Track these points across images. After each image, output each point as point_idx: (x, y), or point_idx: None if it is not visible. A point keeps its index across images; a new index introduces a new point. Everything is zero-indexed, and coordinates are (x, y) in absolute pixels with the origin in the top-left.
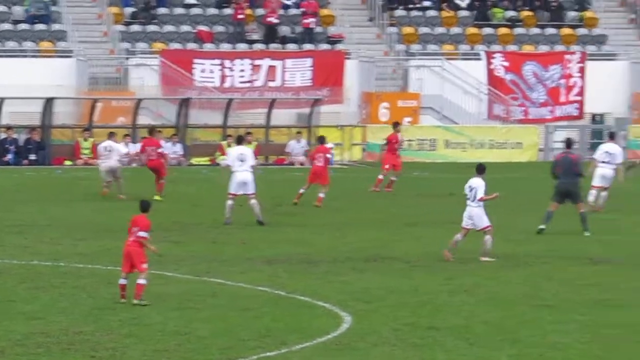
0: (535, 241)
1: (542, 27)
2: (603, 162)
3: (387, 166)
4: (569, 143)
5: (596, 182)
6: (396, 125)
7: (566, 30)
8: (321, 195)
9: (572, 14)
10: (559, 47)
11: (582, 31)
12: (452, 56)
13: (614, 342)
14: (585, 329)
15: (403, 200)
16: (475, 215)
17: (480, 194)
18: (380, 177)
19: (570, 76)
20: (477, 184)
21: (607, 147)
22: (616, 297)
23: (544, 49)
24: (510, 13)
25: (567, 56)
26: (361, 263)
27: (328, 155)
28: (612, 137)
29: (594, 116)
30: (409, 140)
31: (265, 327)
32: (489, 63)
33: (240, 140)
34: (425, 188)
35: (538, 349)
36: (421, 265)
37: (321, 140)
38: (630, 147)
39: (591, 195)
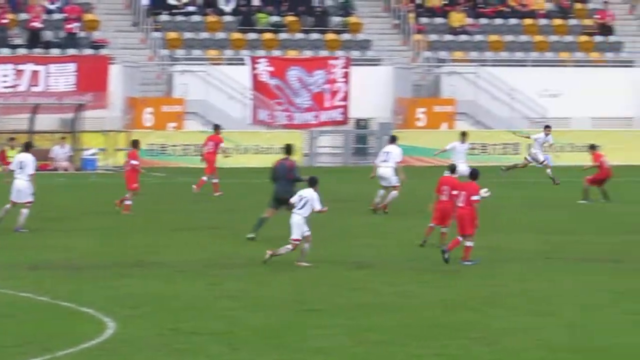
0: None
1: (307, 32)
2: (382, 161)
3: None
4: (288, 149)
5: (380, 182)
6: (217, 127)
7: (330, 36)
8: (127, 202)
9: (336, 19)
10: (324, 52)
11: (346, 36)
12: (216, 61)
13: (377, 346)
14: (351, 333)
15: (169, 205)
16: (296, 224)
17: (318, 205)
18: (204, 178)
19: (334, 81)
20: (309, 194)
21: (386, 148)
22: (380, 301)
23: (308, 54)
24: (275, 18)
25: (331, 61)
26: (126, 268)
27: (133, 162)
28: (392, 140)
29: (358, 121)
30: (174, 146)
31: (28, 334)
32: (254, 68)
33: (27, 147)
34: (191, 194)
35: (302, 354)
36: (186, 270)
37: (134, 144)
38: None
39: (377, 197)
